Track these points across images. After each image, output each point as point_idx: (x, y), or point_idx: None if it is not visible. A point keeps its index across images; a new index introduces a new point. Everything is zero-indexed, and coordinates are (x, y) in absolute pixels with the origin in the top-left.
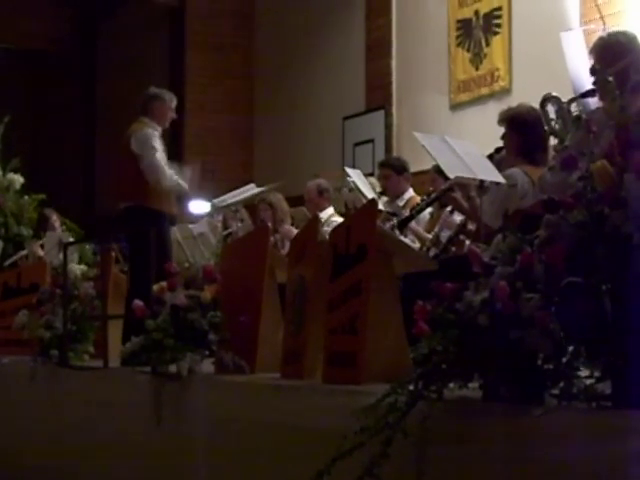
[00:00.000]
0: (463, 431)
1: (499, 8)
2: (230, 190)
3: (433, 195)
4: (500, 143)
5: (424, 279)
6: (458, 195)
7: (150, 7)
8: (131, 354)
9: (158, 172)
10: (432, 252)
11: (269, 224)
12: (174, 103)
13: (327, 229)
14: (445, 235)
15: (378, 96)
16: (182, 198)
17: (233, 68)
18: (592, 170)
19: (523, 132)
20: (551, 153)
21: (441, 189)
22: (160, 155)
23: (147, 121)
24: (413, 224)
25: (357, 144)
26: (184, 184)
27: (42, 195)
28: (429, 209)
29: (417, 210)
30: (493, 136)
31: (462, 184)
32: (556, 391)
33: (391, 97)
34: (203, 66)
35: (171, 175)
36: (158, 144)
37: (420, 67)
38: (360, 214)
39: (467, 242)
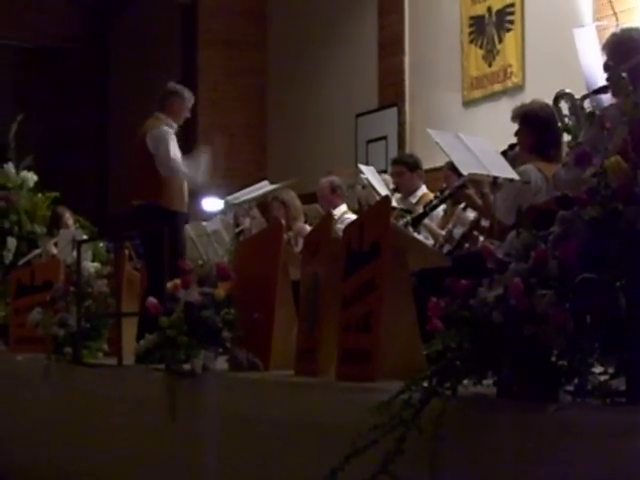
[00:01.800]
0: (477, 427)
1: (512, 5)
2: (243, 187)
3: (446, 192)
4: (513, 139)
5: (438, 276)
6: (472, 192)
7: (162, 4)
8: (145, 352)
9: (174, 171)
10: (446, 249)
11: (282, 222)
12: (191, 102)
13: (340, 226)
14: (458, 232)
15: (391, 93)
16: (197, 191)
17: (245, 66)
18: (606, 166)
19: (537, 128)
20: (565, 150)
21: (454, 186)
22: (175, 152)
23: (163, 117)
24: (426, 221)
25: (370, 141)
26: (199, 178)
27: (55, 193)
28: (442, 206)
29: (430, 207)
30: (506, 133)
31: (475, 181)
32: (570, 387)
33: (404, 94)
34: (215, 64)
35: (186, 173)
36: (173, 141)
37: (433, 64)
38: (373, 211)
39: (481, 239)
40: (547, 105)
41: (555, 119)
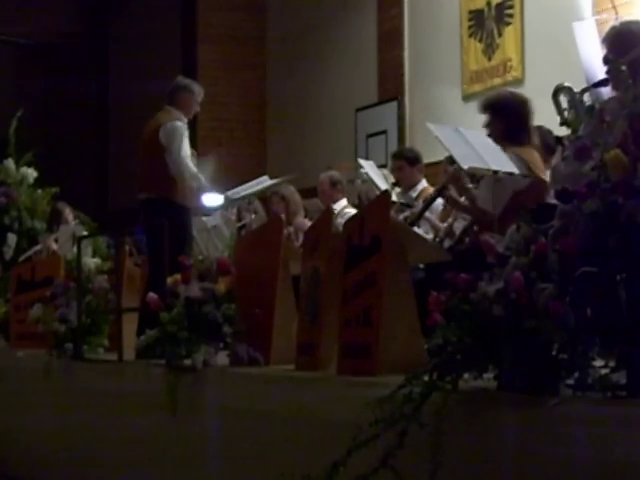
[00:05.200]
0: (478, 421)
1: None
2: (243, 182)
3: (430, 196)
4: None
5: (438, 270)
6: (453, 193)
7: None
8: (146, 347)
9: (182, 167)
10: (446, 243)
11: (282, 216)
12: (201, 97)
13: (341, 221)
14: (459, 226)
15: (391, 87)
16: (200, 192)
17: (245, 60)
18: (606, 160)
19: (505, 116)
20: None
21: (435, 189)
22: (186, 149)
23: (173, 111)
24: (427, 214)
25: (370, 135)
26: (204, 179)
27: (55, 188)
28: (440, 200)
29: (413, 219)
30: None
31: (455, 178)
32: (571, 381)
33: (404, 88)
34: (215, 58)
35: (194, 172)
36: (186, 138)
37: (432, 58)
38: (373, 205)
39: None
40: (510, 92)
41: (518, 105)
